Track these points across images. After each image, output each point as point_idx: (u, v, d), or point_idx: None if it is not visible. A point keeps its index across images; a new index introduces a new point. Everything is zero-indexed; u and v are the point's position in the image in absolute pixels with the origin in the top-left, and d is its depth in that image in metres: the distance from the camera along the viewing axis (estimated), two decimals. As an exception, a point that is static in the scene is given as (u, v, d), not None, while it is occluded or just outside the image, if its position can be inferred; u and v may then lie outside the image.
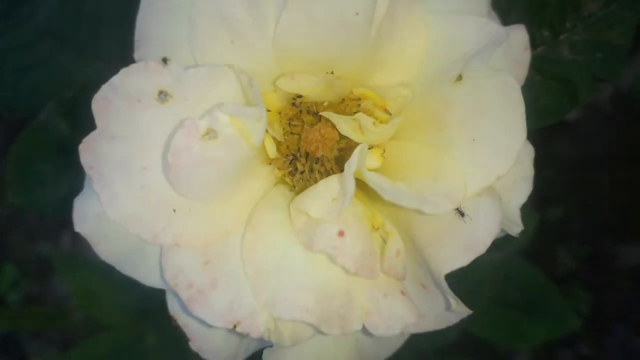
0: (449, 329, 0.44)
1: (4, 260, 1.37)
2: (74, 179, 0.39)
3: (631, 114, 1.06)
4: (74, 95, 0.39)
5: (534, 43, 0.37)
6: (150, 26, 0.26)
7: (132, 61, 0.40)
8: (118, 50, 0.42)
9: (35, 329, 1.05)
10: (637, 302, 1.07)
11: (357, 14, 0.23)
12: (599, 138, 1.11)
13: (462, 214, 0.24)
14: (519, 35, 0.28)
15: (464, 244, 0.23)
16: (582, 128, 1.11)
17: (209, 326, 0.25)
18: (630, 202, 1.08)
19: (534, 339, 0.68)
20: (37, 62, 0.42)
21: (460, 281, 0.43)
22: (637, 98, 0.99)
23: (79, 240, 1.04)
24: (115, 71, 0.43)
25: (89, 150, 0.24)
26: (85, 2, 0.42)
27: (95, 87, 0.39)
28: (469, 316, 0.59)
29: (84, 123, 0.39)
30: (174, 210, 0.25)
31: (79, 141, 0.40)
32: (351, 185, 0.23)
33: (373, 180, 0.23)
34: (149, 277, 0.26)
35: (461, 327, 0.53)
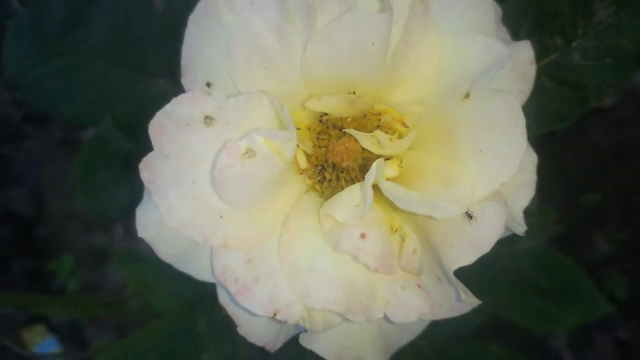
0: (473, 315, 0.47)
1: (62, 252, 1.46)
2: (130, 184, 0.44)
3: None
4: (127, 109, 0.44)
5: (546, 50, 0.39)
6: (193, 55, 0.30)
7: (174, 76, 0.44)
8: (161, 67, 0.46)
9: (96, 315, 1.12)
10: None
11: (373, 44, 0.27)
12: (635, 123, 1.10)
13: (470, 217, 0.27)
14: (525, 51, 0.30)
15: (471, 244, 0.27)
16: (618, 114, 1.10)
17: (253, 315, 0.29)
18: None
19: (565, 324, 0.70)
20: (92, 79, 0.46)
21: (483, 273, 0.46)
22: (674, 82, 0.97)
23: (130, 232, 1.12)
24: (161, 86, 0.47)
25: (147, 168, 0.28)
26: (132, 26, 0.46)
27: (145, 101, 0.43)
28: (499, 303, 0.62)
29: (137, 133, 0.44)
30: (221, 217, 0.29)
31: (134, 150, 0.45)
32: (370, 195, 0.26)
33: (389, 190, 0.26)
34: (201, 273, 0.30)
35: (488, 313, 0.56)
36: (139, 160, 0.45)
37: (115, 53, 0.46)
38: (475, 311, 0.49)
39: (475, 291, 0.30)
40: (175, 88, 0.45)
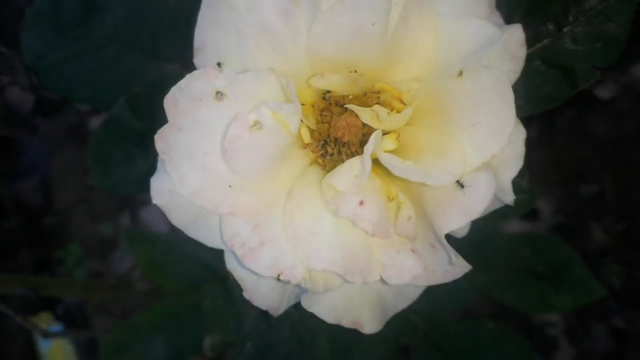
0: (469, 290, 0.49)
1: (69, 240, 1.48)
2: (142, 161, 0.47)
3: None
4: (140, 92, 0.46)
5: (539, 36, 0.41)
6: (205, 36, 0.32)
7: (186, 61, 0.46)
8: (174, 52, 0.48)
9: (103, 298, 1.14)
10: None
11: (373, 24, 0.29)
12: (633, 115, 1.11)
13: (461, 186, 0.29)
14: (516, 33, 0.32)
15: (462, 210, 0.28)
16: (616, 106, 1.11)
17: (259, 277, 0.31)
18: None
19: (560, 308, 0.72)
20: (106, 64, 0.49)
21: (478, 249, 0.48)
22: (672, 75, 0.98)
23: (136, 221, 1.14)
24: (172, 70, 0.49)
25: (161, 140, 0.30)
26: (146, 14, 0.49)
27: (157, 84, 0.46)
28: (496, 286, 0.64)
29: (149, 114, 0.47)
30: (230, 186, 0.31)
31: (146, 130, 0.47)
32: (368, 164, 0.28)
33: (386, 159, 0.29)
34: (210, 239, 0.32)
35: (483, 289, 0.57)
36: (149, 138, 0.47)
37: (130, 39, 0.48)
38: (471, 286, 0.51)
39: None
40: (186, 72, 0.48)
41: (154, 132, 0.47)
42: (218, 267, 0.66)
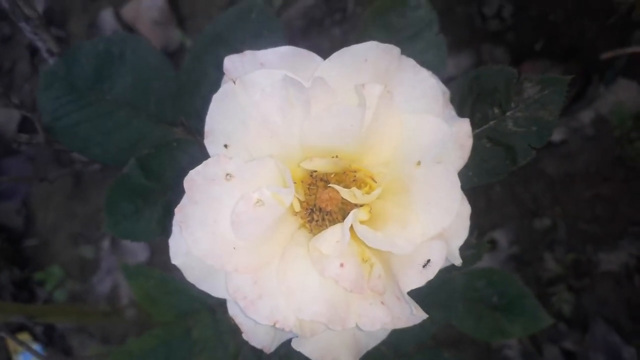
0: (428, 326, 0.57)
1: (50, 262, 1.52)
2: (149, 214, 0.53)
3: (609, 136, 1.16)
4: (149, 153, 0.53)
5: (487, 118, 0.49)
6: (215, 123, 0.39)
7: (188, 127, 0.53)
8: (178, 118, 0.55)
9: (83, 325, 1.18)
10: (616, 303, 1.16)
11: (351, 125, 0.37)
12: (582, 157, 1.20)
13: (426, 263, 0.37)
14: (464, 126, 0.40)
15: (419, 272, 0.36)
16: (567, 148, 1.20)
17: (257, 323, 0.38)
18: (610, 214, 1.18)
19: (513, 334, 0.79)
20: (117, 126, 0.54)
21: (436, 293, 0.56)
22: (614, 122, 1.08)
23: (117, 245, 1.20)
24: (174, 134, 0.56)
25: (180, 212, 0.37)
26: (152, 82, 0.55)
27: (163, 146, 0.53)
28: (455, 317, 0.72)
29: (156, 173, 0.53)
30: (234, 249, 0.38)
31: (152, 186, 0.54)
32: (347, 235, 0.36)
33: (361, 232, 0.36)
34: (217, 291, 0.39)
35: (442, 324, 0.65)
36: (156, 194, 0.54)
37: (138, 104, 0.55)
38: (430, 322, 0.59)
39: (430, 305, 0.40)
40: (188, 136, 0.55)
41: (160, 188, 0.54)
42: (206, 300, 0.73)
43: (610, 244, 1.18)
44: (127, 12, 1.56)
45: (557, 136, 1.18)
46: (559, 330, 1.15)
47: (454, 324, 0.74)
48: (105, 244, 1.48)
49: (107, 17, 1.55)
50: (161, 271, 0.69)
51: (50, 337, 1.49)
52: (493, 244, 1.17)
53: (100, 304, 1.40)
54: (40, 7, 1.68)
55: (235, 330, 0.57)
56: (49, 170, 1.58)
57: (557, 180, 1.20)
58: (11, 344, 1.50)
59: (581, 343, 1.16)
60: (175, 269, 0.40)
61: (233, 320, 0.40)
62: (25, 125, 1.57)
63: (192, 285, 0.41)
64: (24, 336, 1.49)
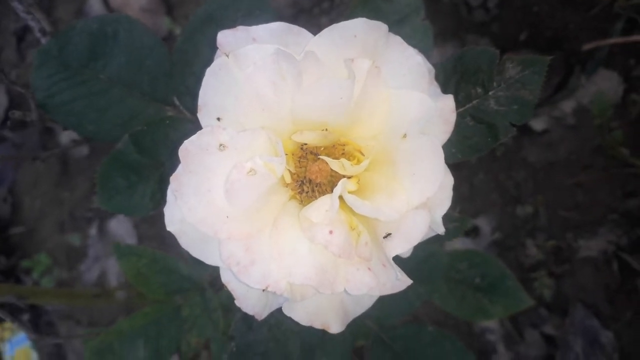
0: (414, 299, 0.59)
1: (37, 250, 1.52)
2: (142, 189, 0.54)
3: (589, 125, 1.19)
4: (141, 129, 0.54)
5: (470, 97, 0.51)
6: (208, 97, 0.40)
7: (181, 105, 0.54)
8: (170, 97, 0.56)
9: (86, 305, 1.19)
10: (595, 289, 1.19)
11: (341, 98, 0.38)
12: (563, 146, 1.23)
13: (407, 223, 0.39)
14: (449, 102, 0.42)
15: (405, 239, 0.38)
16: (548, 137, 1.23)
17: (249, 289, 0.40)
18: (590, 202, 1.21)
19: (494, 315, 0.82)
20: (111, 104, 0.55)
21: (420, 268, 0.58)
22: (595, 112, 1.11)
23: (104, 232, 1.21)
24: (166, 112, 0.57)
25: (175, 180, 0.39)
26: (146, 61, 0.56)
27: (156, 123, 0.54)
28: (439, 297, 0.75)
29: (149, 149, 0.55)
30: (227, 217, 0.39)
31: (145, 162, 0.55)
32: (336, 203, 0.38)
33: (349, 200, 0.38)
34: (210, 259, 0.40)
35: (425, 298, 0.67)
36: (149, 170, 0.55)
37: (131, 82, 0.56)
38: (415, 296, 0.61)
39: (414, 280, 0.41)
40: (180, 114, 0.56)
41: (153, 164, 0.55)
42: (196, 279, 0.74)
43: (590, 231, 1.20)
44: (115, -1, 1.55)
45: (539, 125, 1.21)
46: (540, 315, 1.18)
47: (438, 303, 0.76)
48: (93, 231, 1.48)
49: (94, 4, 1.55)
50: (152, 250, 0.70)
51: (36, 325, 1.49)
52: (476, 230, 1.20)
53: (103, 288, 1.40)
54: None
55: (225, 307, 0.59)
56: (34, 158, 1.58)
57: (539, 169, 1.23)
58: (25, 322, 1.50)
59: (561, 327, 1.19)
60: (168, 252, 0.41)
61: (225, 286, 0.42)
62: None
63: (181, 264, 0.42)
64: (10, 325, 1.49)
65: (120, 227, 1.46)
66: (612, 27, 1.13)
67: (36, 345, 1.46)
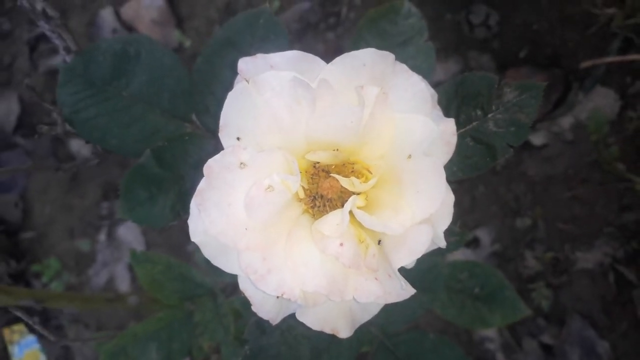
0: (417, 308, 0.62)
1: (46, 255, 1.55)
2: (162, 201, 0.58)
3: (587, 141, 1.22)
4: (163, 145, 0.57)
5: (470, 119, 0.54)
6: (229, 118, 0.43)
7: (199, 122, 0.58)
8: (190, 113, 0.60)
9: (98, 309, 1.22)
10: (591, 300, 1.22)
11: (351, 122, 0.42)
12: (561, 160, 1.25)
13: (411, 237, 0.42)
14: (450, 125, 0.45)
15: (409, 251, 0.42)
16: (547, 151, 1.26)
17: (265, 296, 0.43)
18: (587, 215, 1.23)
19: (493, 324, 0.85)
20: (133, 120, 0.59)
21: (423, 279, 0.61)
22: (592, 128, 1.14)
23: (113, 238, 1.25)
24: (186, 129, 0.61)
25: (198, 195, 0.42)
26: (166, 79, 0.60)
27: (176, 139, 0.57)
28: (440, 305, 0.78)
29: (169, 163, 0.58)
30: (246, 229, 0.43)
31: (166, 175, 0.59)
32: (346, 218, 0.41)
33: (359, 215, 0.42)
34: (229, 267, 0.44)
35: (428, 307, 0.71)
36: (169, 183, 0.59)
37: (152, 100, 0.59)
38: (417, 304, 0.65)
39: (417, 290, 0.44)
40: (198, 131, 0.60)
41: (173, 178, 0.59)
42: (208, 286, 0.77)
43: (587, 243, 1.23)
44: (127, 11, 1.60)
45: (538, 140, 1.24)
46: (538, 325, 1.21)
47: (439, 312, 0.80)
48: (102, 237, 1.52)
49: (106, 16, 1.59)
50: (167, 257, 0.73)
51: (45, 328, 1.51)
52: (476, 241, 1.23)
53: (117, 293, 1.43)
54: (39, 5, 1.72)
55: (236, 313, 0.62)
56: (47, 164, 1.62)
57: (538, 182, 1.25)
58: (7, 334, 1.53)
59: (558, 337, 1.21)
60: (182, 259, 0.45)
61: (243, 293, 0.45)
62: (23, 120, 1.61)
63: (194, 271, 0.45)
64: (21, 327, 1.52)
65: (129, 234, 1.49)
66: (609, 45, 1.17)
67: (45, 349, 1.49)
